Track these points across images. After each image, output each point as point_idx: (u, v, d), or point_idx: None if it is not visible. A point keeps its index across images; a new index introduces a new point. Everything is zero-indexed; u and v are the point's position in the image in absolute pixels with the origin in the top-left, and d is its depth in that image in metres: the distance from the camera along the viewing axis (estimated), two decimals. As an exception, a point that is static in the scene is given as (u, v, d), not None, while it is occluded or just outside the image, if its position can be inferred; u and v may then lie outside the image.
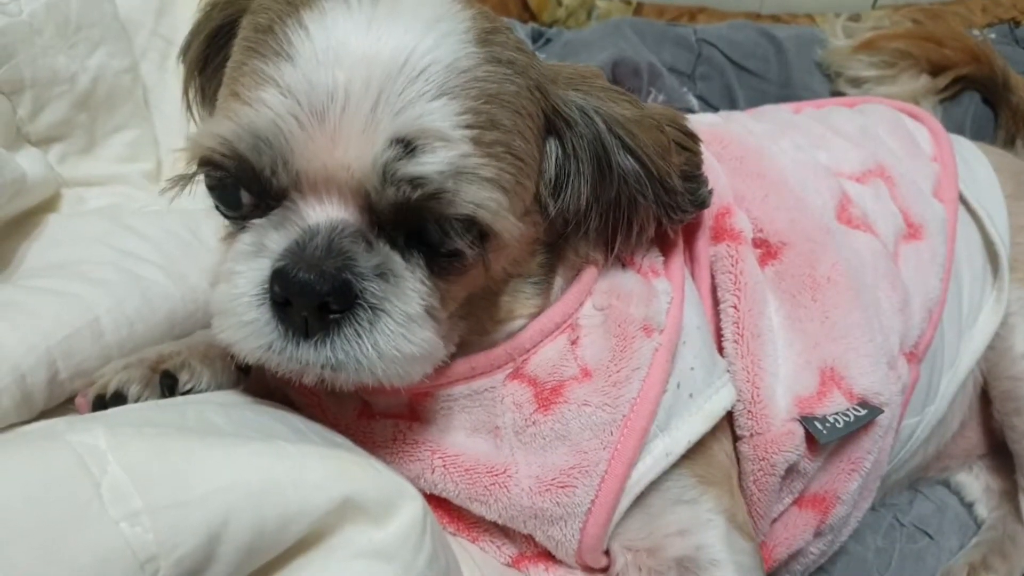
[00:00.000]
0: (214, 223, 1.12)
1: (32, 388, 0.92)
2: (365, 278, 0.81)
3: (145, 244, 1.14)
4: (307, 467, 0.74)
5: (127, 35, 1.34)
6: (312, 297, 0.79)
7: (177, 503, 0.66)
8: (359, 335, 0.82)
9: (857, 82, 1.86)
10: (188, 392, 0.99)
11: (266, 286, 0.81)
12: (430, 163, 0.78)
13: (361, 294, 0.81)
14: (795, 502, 1.11)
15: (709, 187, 1.02)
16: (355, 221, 0.82)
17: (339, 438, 0.92)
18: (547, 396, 0.98)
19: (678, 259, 1.07)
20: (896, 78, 1.81)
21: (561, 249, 1.02)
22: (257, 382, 1.04)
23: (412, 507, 0.77)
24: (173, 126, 1.38)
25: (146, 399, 0.96)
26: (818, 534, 1.14)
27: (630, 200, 0.96)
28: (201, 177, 0.86)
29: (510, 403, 0.98)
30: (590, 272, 1.03)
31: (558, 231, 0.97)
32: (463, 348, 0.97)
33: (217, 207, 0.88)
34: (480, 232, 0.84)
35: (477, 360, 0.99)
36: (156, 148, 1.38)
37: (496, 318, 1.00)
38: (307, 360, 0.82)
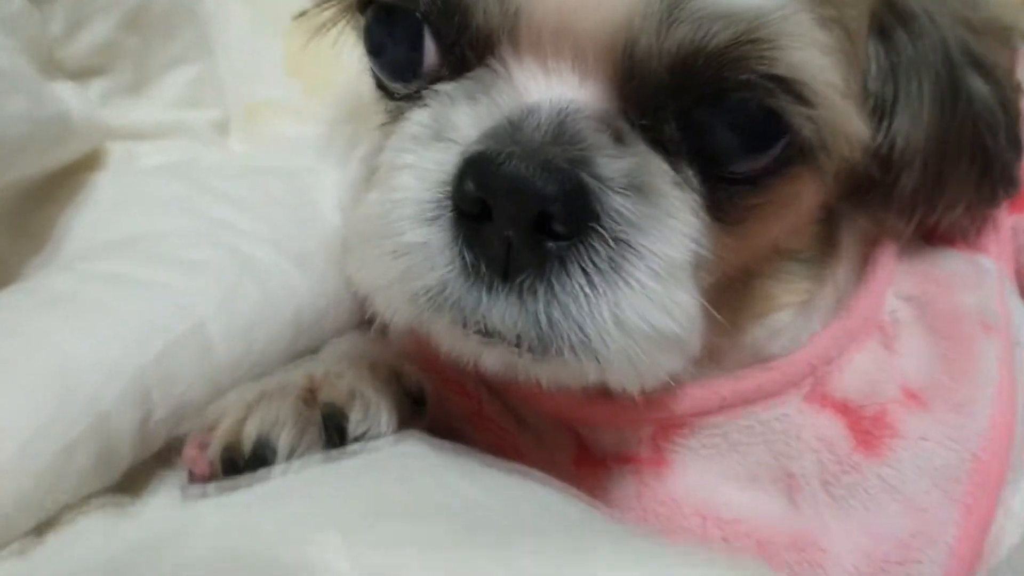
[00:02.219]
0: (326, 185, 0.98)
1: (118, 435, 0.68)
2: (610, 187, 0.61)
3: (243, 213, 0.92)
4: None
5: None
6: (529, 202, 0.59)
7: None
8: (591, 285, 0.61)
9: None
10: (361, 437, 0.74)
11: (448, 188, 0.62)
12: None
13: (602, 212, 0.61)
14: None
15: None
16: (598, 101, 0.64)
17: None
18: (868, 429, 0.80)
19: (987, 227, 0.90)
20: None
21: (844, 215, 0.85)
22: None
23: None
24: (240, 66, 1.17)
25: (306, 452, 0.71)
26: None
27: (974, 142, 0.79)
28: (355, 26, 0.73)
29: (812, 439, 0.80)
30: (887, 248, 0.87)
31: (856, 183, 0.79)
32: (709, 355, 0.76)
33: (376, 77, 0.72)
34: (794, 142, 0.64)
35: (754, 375, 0.80)
36: (222, 93, 1.16)
37: (751, 310, 0.82)
38: (500, 320, 0.62)
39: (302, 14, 0.78)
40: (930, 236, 0.89)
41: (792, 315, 0.83)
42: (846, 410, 0.80)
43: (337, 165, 0.99)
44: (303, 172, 1.01)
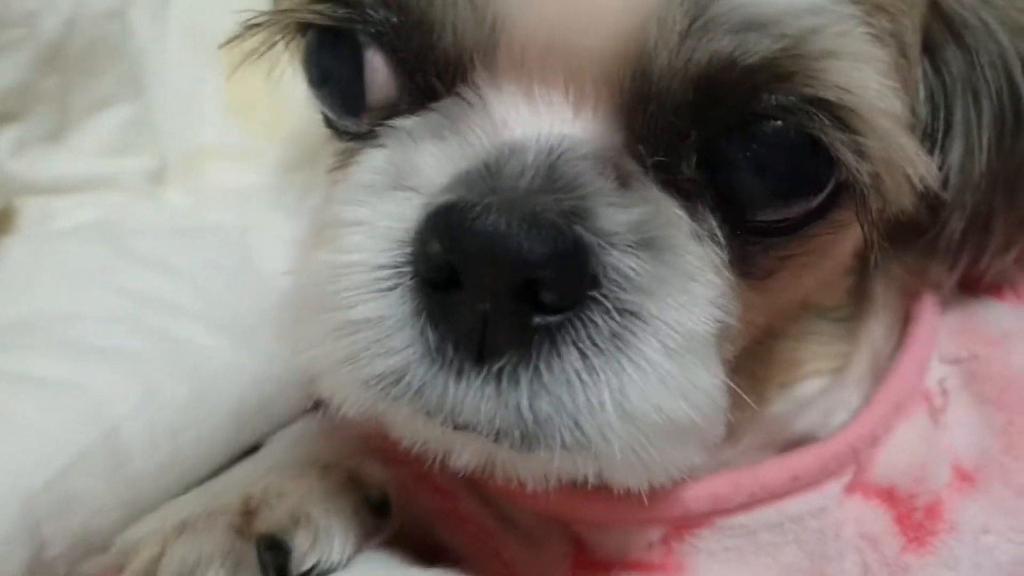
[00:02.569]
0: (275, 244, 0.90)
1: (2, 578, 0.61)
2: (613, 244, 0.53)
3: (175, 284, 0.85)
4: None
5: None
6: (511, 267, 0.50)
7: None
8: (590, 370, 0.53)
9: None
10: (309, 573, 0.66)
11: (409, 249, 0.54)
12: None
13: (603, 276, 0.53)
14: None
15: None
16: (599, 136, 0.56)
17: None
18: (919, 522, 0.74)
19: None
20: None
21: (878, 263, 0.75)
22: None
23: None
24: (178, 107, 1.08)
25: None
26: None
27: None
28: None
29: (855, 537, 0.74)
30: (927, 302, 0.80)
31: (895, 226, 0.70)
32: (726, 434, 0.68)
33: (324, 111, 0.65)
34: (843, 184, 0.58)
35: (786, 463, 0.73)
36: (156, 137, 1.07)
37: (776, 378, 0.75)
38: (474, 412, 0.54)
39: (231, 40, 0.68)
40: (973, 286, 0.83)
41: (823, 384, 0.76)
42: (893, 499, 0.75)
43: (288, 219, 0.93)
44: (249, 228, 0.94)
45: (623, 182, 0.55)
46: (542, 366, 0.52)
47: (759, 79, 0.53)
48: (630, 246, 0.54)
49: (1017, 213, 0.74)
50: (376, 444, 0.76)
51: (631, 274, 0.53)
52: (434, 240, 0.52)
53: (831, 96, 0.53)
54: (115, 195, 1.02)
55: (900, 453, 0.75)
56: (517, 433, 0.54)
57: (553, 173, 0.53)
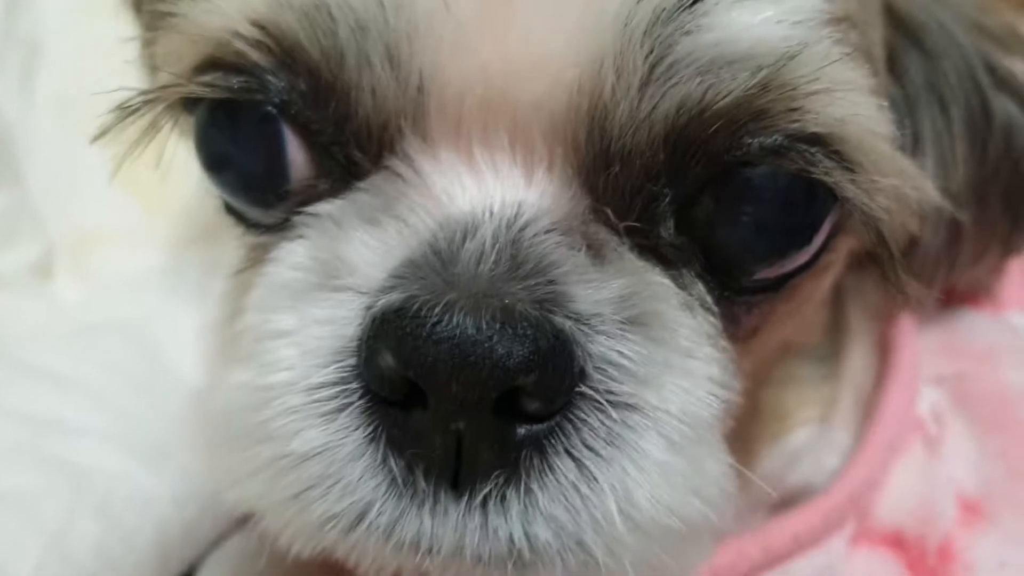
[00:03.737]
0: (180, 335, 0.83)
1: None
2: (596, 329, 0.47)
3: (72, 399, 0.77)
4: None
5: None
6: (488, 379, 0.43)
7: None
8: (587, 478, 0.46)
9: None
10: None
11: (352, 361, 0.47)
12: (765, 13, 0.47)
13: (591, 369, 0.47)
14: None
15: None
16: (559, 202, 0.50)
17: None
18: (933, 567, 0.69)
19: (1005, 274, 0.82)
20: None
21: (849, 289, 0.75)
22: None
23: None
24: (60, 189, 1.00)
25: None
26: None
27: (1012, 179, 0.69)
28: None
29: None
30: (906, 326, 0.77)
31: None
32: None
33: (226, 200, 0.57)
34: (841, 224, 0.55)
35: (785, 525, 0.68)
36: (38, 224, 1.00)
37: (764, 431, 0.70)
38: (455, 542, 0.46)
39: (103, 133, 0.58)
40: (947, 296, 0.80)
41: (811, 433, 0.72)
42: (902, 544, 0.71)
43: (190, 304, 0.84)
44: (152, 320, 0.86)
45: (596, 254, 0.49)
46: (534, 485, 0.46)
47: (737, 121, 0.47)
48: (616, 328, 0.48)
49: (989, 222, 0.71)
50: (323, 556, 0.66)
51: (622, 361, 0.47)
52: (385, 352, 0.44)
53: (822, 130, 0.48)
54: (-2, 296, 0.93)
55: (902, 494, 0.71)
56: (510, 565, 0.47)
57: (517, 254, 0.47)
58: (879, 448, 0.71)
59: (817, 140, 0.49)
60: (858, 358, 0.75)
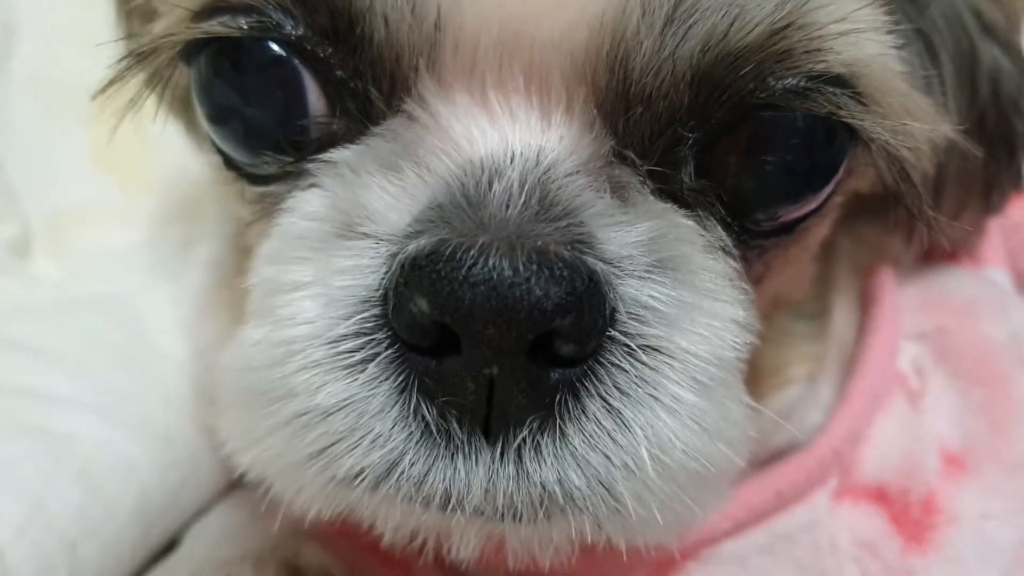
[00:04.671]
0: (161, 309, 0.84)
1: None
2: (625, 271, 0.47)
3: (54, 370, 0.76)
4: None
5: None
6: (526, 321, 0.43)
7: None
8: (623, 422, 0.46)
9: None
10: None
11: (377, 310, 0.46)
12: None
13: (621, 311, 0.47)
14: None
15: None
16: (581, 144, 0.50)
17: None
18: (916, 518, 0.70)
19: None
20: None
21: (836, 243, 0.76)
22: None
23: None
24: (37, 167, 1.01)
25: None
26: None
27: (998, 129, 0.69)
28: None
29: (851, 547, 0.70)
30: (886, 280, 0.77)
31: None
32: None
33: (224, 154, 0.55)
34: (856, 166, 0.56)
35: (768, 480, 0.69)
36: (15, 203, 0.99)
37: (763, 385, 0.70)
38: (486, 494, 0.46)
39: (103, 90, 0.58)
40: (927, 253, 0.81)
41: (800, 391, 0.72)
42: (885, 498, 0.71)
43: (171, 280, 0.84)
44: (132, 295, 0.85)
45: (621, 197, 0.49)
46: (569, 429, 0.46)
47: (762, 62, 0.47)
48: (645, 271, 0.47)
49: (971, 173, 0.71)
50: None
51: (652, 303, 0.47)
52: (419, 297, 0.44)
53: (847, 71, 0.48)
54: (-27, 274, 0.92)
55: (885, 448, 0.71)
56: (541, 512, 0.47)
57: (545, 196, 0.46)
58: (861, 401, 0.72)
59: (840, 81, 0.49)
60: (842, 314, 0.76)
